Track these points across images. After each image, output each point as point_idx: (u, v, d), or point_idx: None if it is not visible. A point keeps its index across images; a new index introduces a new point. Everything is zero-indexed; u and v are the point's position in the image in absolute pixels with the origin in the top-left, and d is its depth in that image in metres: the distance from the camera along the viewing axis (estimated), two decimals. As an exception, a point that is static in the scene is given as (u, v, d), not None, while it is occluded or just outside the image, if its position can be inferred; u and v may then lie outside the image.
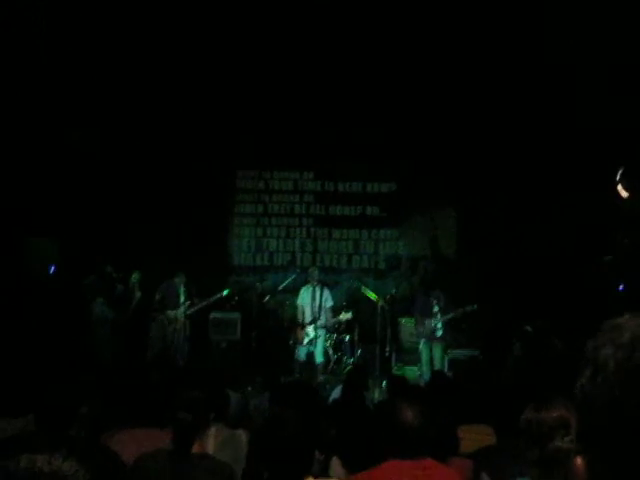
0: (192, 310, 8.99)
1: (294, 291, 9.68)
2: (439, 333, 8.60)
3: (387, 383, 6.50)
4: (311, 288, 9.06)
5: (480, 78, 8.83)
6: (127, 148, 10.10)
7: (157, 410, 3.32)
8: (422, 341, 8.70)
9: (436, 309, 8.62)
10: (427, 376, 8.42)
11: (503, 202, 10.13)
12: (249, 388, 7.26)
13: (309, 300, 9.00)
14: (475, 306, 8.35)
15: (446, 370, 8.37)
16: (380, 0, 7.13)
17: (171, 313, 8.83)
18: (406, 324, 9.90)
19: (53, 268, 9.06)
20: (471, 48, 8.06)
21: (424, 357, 8.65)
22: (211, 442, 3.36)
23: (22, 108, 8.23)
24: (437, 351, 8.58)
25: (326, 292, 9.13)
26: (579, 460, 1.91)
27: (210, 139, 10.60)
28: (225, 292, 9.06)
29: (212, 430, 3.39)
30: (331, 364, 9.55)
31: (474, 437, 3.34)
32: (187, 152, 10.59)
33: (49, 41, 7.53)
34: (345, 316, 9.00)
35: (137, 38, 7.88)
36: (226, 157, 10.94)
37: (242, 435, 3.45)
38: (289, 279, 10.11)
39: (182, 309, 8.90)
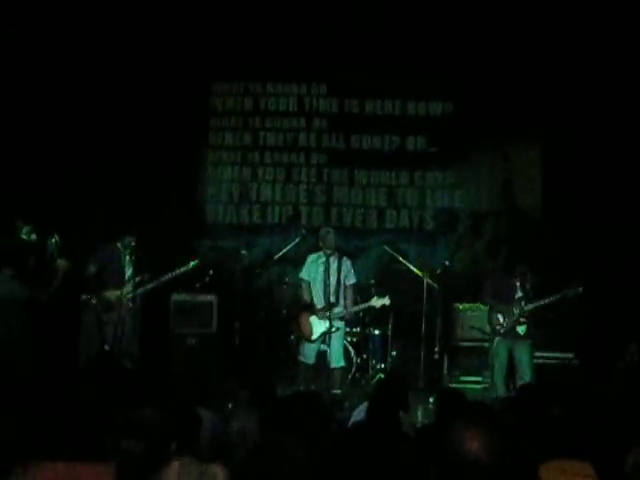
0: (144, 290, 9.01)
1: (297, 262, 9.69)
2: (523, 329, 8.57)
3: (436, 399, 6.54)
4: (324, 258, 9.06)
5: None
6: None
7: (93, 437, 3.34)
8: (497, 339, 8.67)
9: (520, 293, 8.59)
10: (502, 391, 8.44)
11: (611, 128, 10.04)
12: (230, 405, 7.32)
13: (321, 276, 9.01)
14: (580, 289, 8.34)
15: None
16: None
17: (112, 294, 8.85)
18: (465, 312, 9.94)
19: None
20: None
21: (499, 363, 8.60)
22: (173, 483, 3.39)
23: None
24: (524, 355, 8.52)
25: (346, 264, 9.13)
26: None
27: (171, 36, 10.52)
28: (193, 263, 9.06)
29: (175, 466, 3.42)
30: (353, 371, 9.63)
31: (567, 478, 3.35)
32: (134, 55, 10.53)
33: None
34: (379, 302, 8.98)
35: None
36: (195, 63, 10.87)
37: (219, 472, 3.47)
38: (290, 245, 10.12)
39: (129, 288, 8.93)
